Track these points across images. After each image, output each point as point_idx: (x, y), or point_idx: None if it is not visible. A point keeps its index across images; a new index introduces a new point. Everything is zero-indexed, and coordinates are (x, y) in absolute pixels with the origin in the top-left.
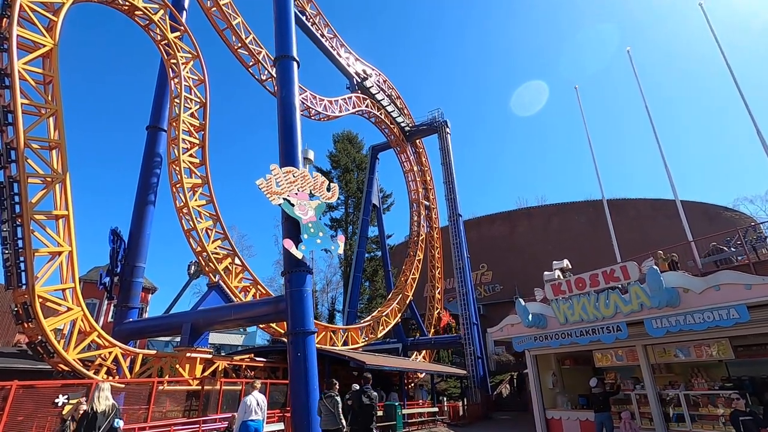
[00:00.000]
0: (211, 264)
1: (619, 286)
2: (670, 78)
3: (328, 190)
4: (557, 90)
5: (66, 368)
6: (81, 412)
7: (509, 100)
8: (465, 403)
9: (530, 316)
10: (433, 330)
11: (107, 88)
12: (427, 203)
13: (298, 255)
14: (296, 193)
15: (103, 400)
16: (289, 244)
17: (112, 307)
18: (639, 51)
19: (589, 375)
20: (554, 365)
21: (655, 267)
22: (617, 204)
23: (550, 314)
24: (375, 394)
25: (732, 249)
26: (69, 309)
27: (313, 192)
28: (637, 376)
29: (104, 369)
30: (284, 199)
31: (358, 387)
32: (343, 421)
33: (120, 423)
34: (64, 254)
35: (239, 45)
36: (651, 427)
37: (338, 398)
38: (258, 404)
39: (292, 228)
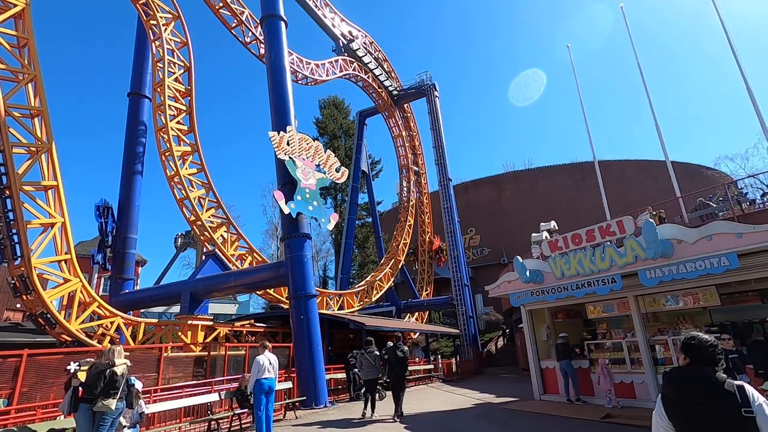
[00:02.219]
0: (206, 233)
1: (614, 240)
2: (662, 37)
3: (337, 171)
4: (545, 52)
5: (69, 339)
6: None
7: (492, 63)
8: (458, 360)
9: (528, 272)
10: (426, 292)
11: (80, 53)
12: (417, 168)
13: (285, 209)
14: (304, 159)
15: (120, 360)
16: (279, 195)
17: (103, 280)
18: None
19: (580, 327)
20: (548, 319)
21: (651, 220)
22: (603, 165)
23: (546, 270)
24: (406, 348)
25: (714, 205)
26: (67, 280)
27: (322, 166)
28: (626, 325)
29: (107, 338)
30: (290, 157)
31: (391, 344)
32: (382, 371)
33: (136, 380)
34: (57, 226)
35: (221, 5)
36: (641, 370)
37: (377, 352)
38: (270, 363)
39: (287, 189)
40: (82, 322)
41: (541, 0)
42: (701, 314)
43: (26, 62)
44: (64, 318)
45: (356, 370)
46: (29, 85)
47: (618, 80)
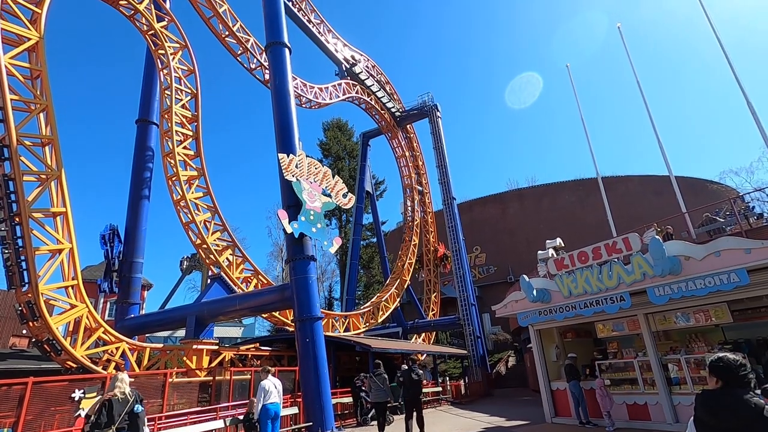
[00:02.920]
0: (211, 256)
1: (621, 257)
2: (659, 55)
3: (344, 196)
4: (545, 69)
5: (74, 365)
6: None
7: (493, 81)
8: (466, 381)
9: (535, 291)
10: (432, 312)
11: (91, 82)
12: (420, 188)
13: (288, 229)
14: (312, 182)
15: (121, 387)
16: (282, 214)
17: (109, 304)
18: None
19: (590, 346)
20: (557, 338)
21: (657, 237)
22: (607, 181)
23: (554, 288)
24: (421, 372)
25: (721, 219)
26: (73, 306)
27: (329, 191)
28: (637, 345)
29: (112, 364)
30: (297, 179)
31: (406, 367)
32: (391, 394)
33: (141, 408)
34: (65, 252)
35: (227, 33)
36: (654, 391)
37: (386, 375)
38: (276, 387)
39: (292, 211)
40: (88, 348)
41: (539, 16)
42: (714, 332)
43: (38, 93)
44: (70, 344)
45: (363, 393)
46: (41, 114)
47: (619, 95)
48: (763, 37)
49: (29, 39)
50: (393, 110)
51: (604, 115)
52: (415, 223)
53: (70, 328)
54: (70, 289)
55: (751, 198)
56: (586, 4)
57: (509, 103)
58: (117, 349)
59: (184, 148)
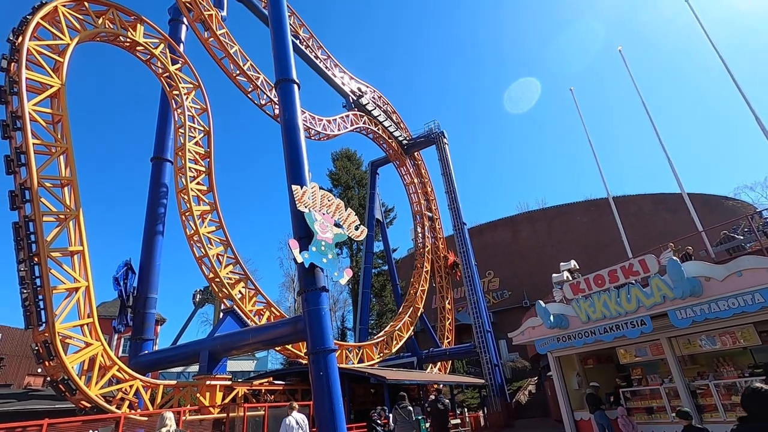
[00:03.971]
0: (224, 289)
1: (638, 279)
2: (661, 70)
3: (357, 228)
4: (550, 90)
5: (88, 405)
6: None
7: (501, 104)
8: (485, 412)
9: (552, 317)
10: (447, 340)
11: (104, 122)
12: (430, 214)
13: (299, 258)
14: (324, 214)
15: (169, 425)
16: (294, 244)
17: (123, 341)
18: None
19: (613, 372)
20: (577, 365)
21: (675, 258)
22: (619, 201)
23: (571, 314)
24: (447, 401)
25: (740, 236)
26: (88, 344)
27: (341, 223)
28: (662, 370)
29: (126, 403)
30: (310, 210)
31: (433, 398)
32: (417, 427)
33: None
34: (81, 290)
35: (237, 72)
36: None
37: (411, 408)
38: (298, 423)
39: (304, 242)
40: (102, 386)
41: (545, 38)
42: (742, 355)
43: (59, 136)
44: (84, 383)
45: (379, 428)
46: (61, 156)
47: (627, 113)
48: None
49: (52, 86)
50: (400, 138)
51: (613, 134)
52: (426, 249)
53: (85, 367)
54: (85, 327)
55: None
56: (588, 27)
57: (507, 108)
58: (131, 387)
59: (198, 183)
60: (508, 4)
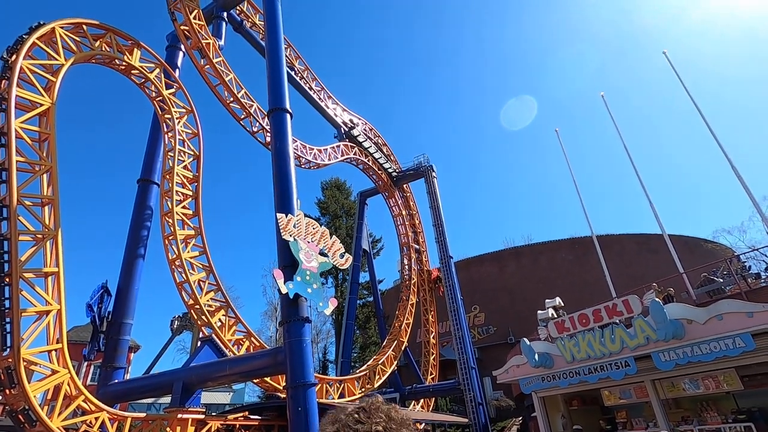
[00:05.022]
0: (203, 317)
1: (622, 320)
2: (643, 116)
3: (341, 256)
4: (537, 128)
5: None
6: None
7: (487, 140)
8: None
9: (536, 356)
10: (431, 376)
11: (95, 140)
12: (417, 246)
13: (284, 289)
14: (309, 242)
15: None
16: (278, 274)
17: (92, 368)
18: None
19: (597, 415)
20: (562, 407)
21: (657, 299)
22: (603, 240)
23: (556, 353)
24: None
25: (720, 279)
26: (55, 372)
27: (326, 251)
28: (647, 413)
29: None
30: (295, 238)
31: None
32: None
33: None
34: (53, 313)
35: (231, 99)
36: None
37: None
38: None
39: (289, 271)
40: (65, 418)
41: (527, 79)
42: (725, 399)
43: (44, 155)
44: (47, 413)
45: None
46: (44, 175)
47: (609, 155)
48: (737, 89)
49: (42, 105)
50: (390, 170)
51: (596, 174)
52: (413, 281)
53: (49, 396)
54: (53, 353)
55: (747, 257)
56: (575, 71)
57: (504, 125)
58: (96, 419)
59: (183, 207)
60: (499, 39)
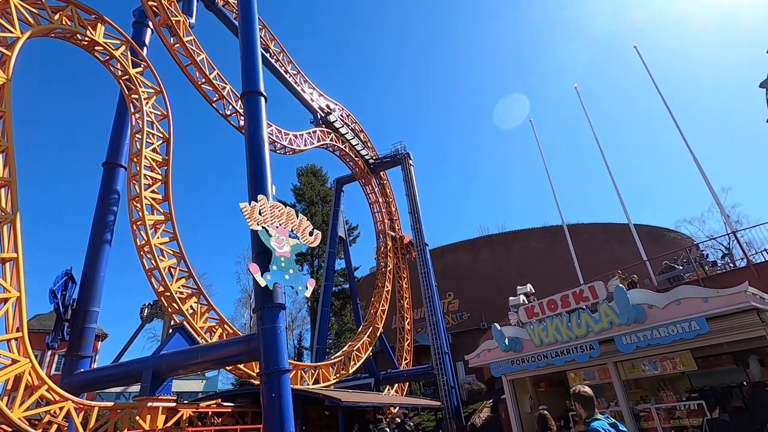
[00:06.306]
0: (174, 304)
1: (588, 305)
2: (613, 105)
3: (311, 234)
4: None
5: (9, 429)
6: None
7: (466, 129)
8: None
9: (507, 340)
10: (405, 361)
11: (53, 121)
12: (393, 234)
13: (262, 282)
14: (277, 227)
15: None
16: (255, 268)
17: (57, 357)
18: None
19: (563, 396)
20: (530, 389)
21: (621, 285)
22: (572, 229)
23: (525, 337)
24: (413, 424)
25: (680, 267)
26: (15, 361)
27: (295, 232)
28: (609, 394)
29: (54, 427)
30: (263, 227)
31: (399, 420)
32: None
33: None
34: (11, 300)
35: (203, 81)
36: None
37: (387, 429)
38: None
39: (262, 258)
40: (27, 408)
41: (508, 71)
42: (681, 379)
43: (0, 134)
44: (7, 404)
45: None
46: (0, 155)
47: (580, 145)
48: (707, 94)
49: None
50: (367, 157)
51: (567, 163)
52: (388, 269)
53: (9, 386)
54: (13, 342)
55: (705, 246)
56: (554, 64)
57: (498, 123)
58: (61, 409)
59: (152, 191)
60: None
